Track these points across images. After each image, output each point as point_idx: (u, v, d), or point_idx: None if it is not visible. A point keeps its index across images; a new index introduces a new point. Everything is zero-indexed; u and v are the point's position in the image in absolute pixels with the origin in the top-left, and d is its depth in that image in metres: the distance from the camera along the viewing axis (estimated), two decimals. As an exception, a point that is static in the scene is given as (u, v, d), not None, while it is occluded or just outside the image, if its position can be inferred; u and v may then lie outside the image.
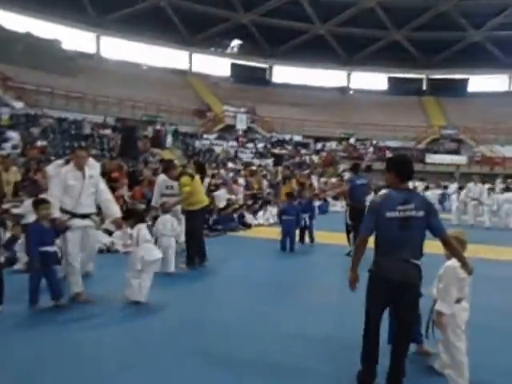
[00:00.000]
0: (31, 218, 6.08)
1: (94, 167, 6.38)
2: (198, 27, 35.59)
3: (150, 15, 33.34)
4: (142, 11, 33.34)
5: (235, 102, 31.23)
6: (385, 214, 3.58)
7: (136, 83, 28.22)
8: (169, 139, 23.70)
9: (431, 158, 30.00)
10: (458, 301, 3.71)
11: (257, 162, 24.87)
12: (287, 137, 31.17)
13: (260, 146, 28.72)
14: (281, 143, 30.27)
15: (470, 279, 3.75)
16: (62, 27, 30.74)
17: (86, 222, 5.69)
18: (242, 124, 29.74)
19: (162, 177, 8.06)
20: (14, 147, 16.01)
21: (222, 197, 12.35)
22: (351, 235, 8.71)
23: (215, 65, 38.10)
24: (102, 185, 6.03)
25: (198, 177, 7.82)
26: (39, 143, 17.11)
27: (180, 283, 6.58)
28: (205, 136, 27.02)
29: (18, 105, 19.65)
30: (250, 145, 28.47)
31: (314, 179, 21.55)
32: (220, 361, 4.09)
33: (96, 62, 31.36)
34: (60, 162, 6.99)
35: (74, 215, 5.57)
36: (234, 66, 39.19)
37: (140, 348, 4.29)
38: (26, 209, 7.03)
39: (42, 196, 5.93)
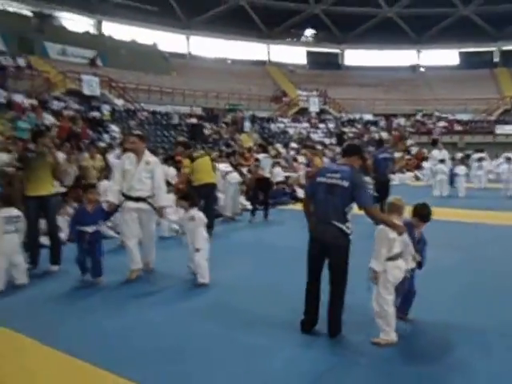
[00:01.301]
0: (103, 197, 6.33)
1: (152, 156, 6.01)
2: (274, 21, 34.99)
3: (232, 14, 33.30)
4: (225, 11, 33.42)
5: (309, 86, 30.43)
6: (316, 179, 3.87)
7: (221, 76, 28.53)
8: (247, 124, 23.72)
9: (502, 129, 27.10)
10: (393, 259, 3.66)
11: (327, 141, 24.17)
12: (357, 116, 29.84)
13: (331, 126, 27.79)
14: (351, 122, 29.09)
15: (405, 239, 3.73)
16: (158, 32, 31.70)
17: (139, 204, 5.44)
18: (314, 106, 28.90)
19: None
20: (113, 138, 17.03)
21: (277, 174, 12.11)
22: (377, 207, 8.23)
23: (291, 54, 37.26)
24: (158, 173, 5.63)
25: (206, 158, 8.03)
26: (135, 133, 17.99)
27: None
28: (280, 119, 26.66)
29: (119, 102, 20.68)
30: (322, 125, 27.64)
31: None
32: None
33: (187, 60, 32.10)
34: (118, 151, 7.18)
35: (127, 197, 5.45)
36: (309, 53, 38.05)
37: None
38: (101, 189, 7.38)
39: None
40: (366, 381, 3.18)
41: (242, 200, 10.33)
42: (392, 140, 26.45)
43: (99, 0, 29.07)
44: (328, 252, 3.77)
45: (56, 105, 18.34)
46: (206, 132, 21.20)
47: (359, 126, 28.53)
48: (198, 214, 5.31)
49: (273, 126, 25.61)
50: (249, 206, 9.98)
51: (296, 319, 3.88)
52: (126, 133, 17.14)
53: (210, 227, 7.45)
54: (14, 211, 5.05)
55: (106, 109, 19.33)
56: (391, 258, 3.67)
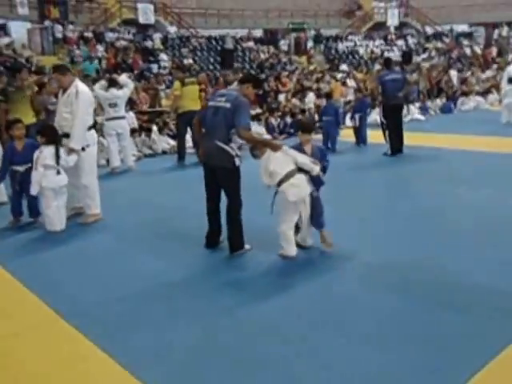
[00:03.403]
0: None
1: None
2: None
3: None
4: None
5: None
6: (208, 103, 4.43)
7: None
8: (309, 44, 23.44)
9: None
10: (284, 180, 3.94)
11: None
12: (447, 28, 27.56)
13: (411, 42, 26.21)
14: (438, 36, 27.05)
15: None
16: None
17: (65, 141, 5.26)
18: (393, 19, 27.20)
19: None
20: (163, 67, 18.20)
21: (309, 100, 12.43)
22: (387, 134, 8.33)
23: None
24: (75, 107, 5.16)
25: (195, 87, 8.76)
26: (185, 61, 18.98)
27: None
28: (349, 38, 25.75)
29: (172, 29, 21.62)
30: (400, 42, 26.16)
31: (454, 74, 19.22)
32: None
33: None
34: (104, 82, 8.20)
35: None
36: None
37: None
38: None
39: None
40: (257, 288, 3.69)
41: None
42: (484, 55, 24.42)
43: None
44: (215, 174, 4.20)
45: (110, 36, 19.78)
46: (263, 56, 21.51)
47: (447, 41, 26.51)
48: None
49: (341, 46, 24.96)
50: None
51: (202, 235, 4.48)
52: (176, 61, 18.35)
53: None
54: None
55: (158, 37, 20.42)
56: (282, 181, 3.95)
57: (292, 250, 4.10)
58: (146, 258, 4.34)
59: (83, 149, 5.23)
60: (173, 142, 9.66)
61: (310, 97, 12.69)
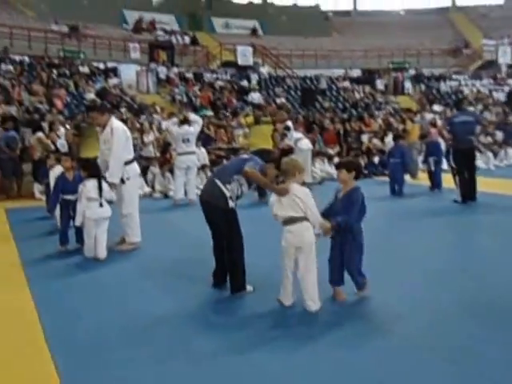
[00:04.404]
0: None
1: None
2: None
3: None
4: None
5: (503, 32, 26.83)
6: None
7: (388, 31, 27.89)
8: (407, 85, 22.74)
9: None
10: (286, 223, 3.80)
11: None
12: None
13: (524, 81, 24.17)
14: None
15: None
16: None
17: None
18: (505, 57, 25.47)
19: None
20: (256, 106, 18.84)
21: (389, 140, 11.96)
22: (457, 179, 7.69)
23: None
24: (112, 143, 5.51)
25: (269, 126, 8.89)
26: (278, 100, 19.49)
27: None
28: (454, 77, 24.52)
29: (266, 70, 22.43)
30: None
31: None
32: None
33: (352, 18, 31.87)
34: (175, 119, 8.70)
35: None
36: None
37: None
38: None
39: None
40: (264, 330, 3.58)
41: (317, 169, 10.81)
42: None
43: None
44: (208, 212, 4.23)
45: (209, 77, 21.04)
46: (357, 96, 21.31)
47: None
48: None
49: (443, 86, 23.81)
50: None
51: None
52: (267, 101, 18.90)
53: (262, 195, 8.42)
54: None
55: (254, 77, 21.27)
56: (285, 222, 3.82)
57: (286, 299, 3.87)
58: (155, 293, 4.37)
59: (123, 181, 5.49)
60: None
61: (391, 137, 12.19)
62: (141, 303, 4.11)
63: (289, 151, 9.06)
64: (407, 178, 9.38)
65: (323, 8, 29.64)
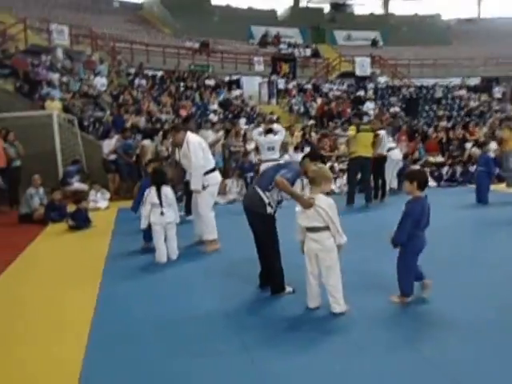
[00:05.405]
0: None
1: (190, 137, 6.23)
2: None
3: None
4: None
5: None
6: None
7: (510, 38, 26.45)
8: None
9: None
10: (309, 230, 3.95)
11: None
12: None
13: None
14: None
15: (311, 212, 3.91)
16: (441, 0, 31.59)
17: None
18: None
19: None
20: (367, 114, 19.75)
21: (488, 148, 12.29)
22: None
23: None
24: (190, 154, 6.01)
25: (369, 134, 9.00)
26: (392, 109, 20.21)
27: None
28: None
29: (383, 79, 23.09)
30: None
31: None
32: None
33: (475, 26, 30.72)
34: (261, 129, 9.40)
35: None
36: None
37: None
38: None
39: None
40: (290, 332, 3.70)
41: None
42: None
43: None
44: (249, 217, 4.41)
45: (326, 87, 22.36)
46: (472, 104, 21.08)
47: None
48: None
49: None
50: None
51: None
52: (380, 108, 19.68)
53: (368, 200, 8.98)
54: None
55: (370, 87, 22.08)
56: (308, 230, 3.95)
57: (310, 302, 4.07)
58: (205, 292, 4.62)
59: (204, 187, 5.98)
60: (333, 186, 10.26)
61: (491, 146, 12.46)
62: (188, 300, 4.38)
63: (380, 159, 9.60)
64: (503, 186, 9.56)
65: (444, 17, 29.25)
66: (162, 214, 5.51)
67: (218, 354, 3.35)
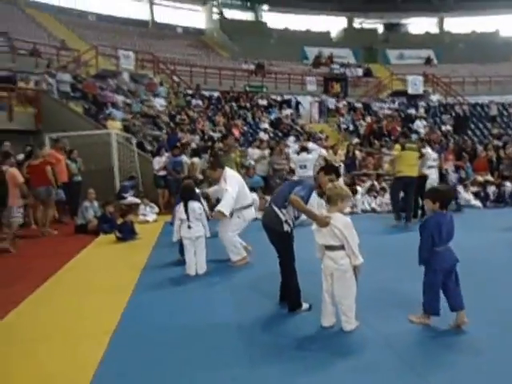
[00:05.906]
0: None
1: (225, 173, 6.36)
2: None
3: None
4: None
5: None
6: None
7: None
8: None
9: None
10: (328, 248, 3.90)
11: None
12: None
13: None
14: None
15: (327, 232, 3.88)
16: (500, 17, 30.56)
17: None
18: None
19: None
20: (417, 133, 19.42)
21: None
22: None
23: None
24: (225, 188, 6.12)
25: (414, 153, 8.88)
26: (443, 128, 19.79)
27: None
28: None
29: (434, 97, 22.62)
30: None
31: None
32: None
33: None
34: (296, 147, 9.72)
35: None
36: None
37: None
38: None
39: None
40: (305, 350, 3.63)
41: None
42: None
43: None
44: (268, 235, 4.47)
45: (377, 106, 22.25)
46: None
47: None
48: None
49: None
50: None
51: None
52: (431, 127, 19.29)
53: (408, 219, 8.68)
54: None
55: (421, 105, 21.70)
56: (325, 247, 3.92)
57: (324, 320, 4.01)
58: (226, 306, 4.65)
59: (231, 215, 6.00)
60: (373, 205, 10.58)
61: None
62: (207, 311, 4.48)
63: (422, 178, 9.40)
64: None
65: (503, 34, 28.22)
66: (189, 227, 5.67)
67: (223, 366, 3.38)
